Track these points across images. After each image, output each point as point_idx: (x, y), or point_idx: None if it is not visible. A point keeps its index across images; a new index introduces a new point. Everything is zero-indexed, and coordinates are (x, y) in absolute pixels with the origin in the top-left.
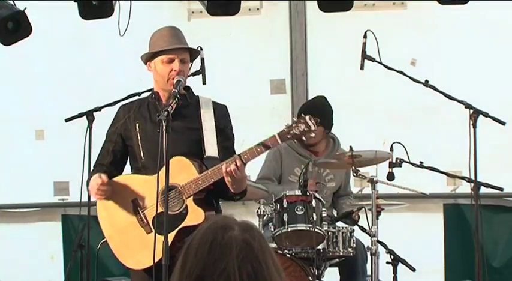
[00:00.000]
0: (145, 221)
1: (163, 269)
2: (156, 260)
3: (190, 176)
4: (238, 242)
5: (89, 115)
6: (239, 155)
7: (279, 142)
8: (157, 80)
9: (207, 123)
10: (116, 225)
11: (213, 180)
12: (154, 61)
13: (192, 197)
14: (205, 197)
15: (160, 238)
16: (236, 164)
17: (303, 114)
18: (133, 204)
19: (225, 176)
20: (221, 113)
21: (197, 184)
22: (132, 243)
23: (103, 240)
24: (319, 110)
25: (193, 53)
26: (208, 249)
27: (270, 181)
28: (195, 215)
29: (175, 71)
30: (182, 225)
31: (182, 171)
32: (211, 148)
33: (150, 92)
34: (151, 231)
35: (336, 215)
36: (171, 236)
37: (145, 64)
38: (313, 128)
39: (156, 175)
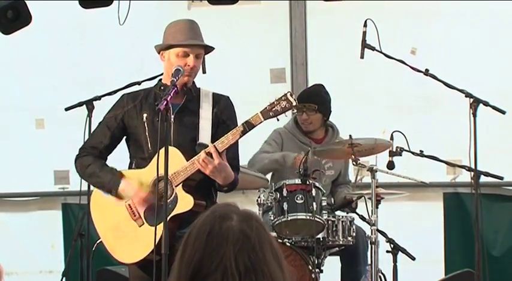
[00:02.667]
0: (137, 214)
1: (163, 258)
2: (149, 252)
3: (179, 164)
4: (235, 233)
5: (89, 104)
6: (213, 144)
7: (262, 119)
8: (168, 71)
9: (204, 112)
10: (108, 223)
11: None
12: (168, 52)
13: (181, 185)
14: (196, 185)
15: (153, 230)
16: (207, 153)
17: (284, 92)
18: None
19: (202, 169)
20: (223, 105)
21: (185, 171)
22: (125, 238)
23: (98, 241)
24: (317, 98)
25: (207, 49)
26: (205, 240)
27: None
28: (184, 202)
29: (189, 66)
30: (173, 213)
31: (171, 160)
32: (204, 135)
33: (156, 83)
34: (144, 224)
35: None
36: (161, 225)
37: (158, 53)
38: (294, 103)
39: (148, 167)
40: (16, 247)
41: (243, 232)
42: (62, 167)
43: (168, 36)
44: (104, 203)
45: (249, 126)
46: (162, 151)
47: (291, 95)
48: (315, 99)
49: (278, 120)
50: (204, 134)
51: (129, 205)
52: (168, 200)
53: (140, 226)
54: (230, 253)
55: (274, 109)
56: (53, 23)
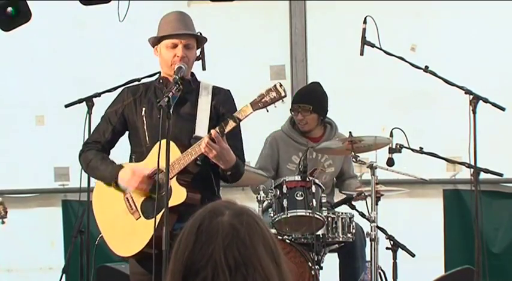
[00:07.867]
0: (134, 208)
1: (163, 254)
2: (145, 245)
3: (173, 157)
4: (225, 228)
5: (89, 101)
6: (214, 129)
7: (252, 110)
8: (162, 65)
9: (202, 104)
10: (107, 217)
11: (193, 157)
12: (159, 46)
13: (176, 177)
14: (193, 178)
15: (149, 223)
16: (211, 138)
17: (274, 83)
18: (123, 192)
19: (206, 153)
20: (222, 98)
21: (179, 164)
22: (122, 231)
23: (100, 235)
24: (313, 97)
25: (200, 39)
26: (195, 235)
27: (267, 171)
28: (177, 195)
29: (177, 56)
30: None
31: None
32: (201, 127)
33: (157, 77)
34: (140, 217)
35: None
36: (157, 218)
37: (153, 48)
38: (283, 94)
39: (146, 160)
40: (16, 243)
41: (233, 227)
42: (62, 163)
43: (159, 30)
44: (105, 198)
45: (239, 118)
46: (157, 145)
47: (280, 86)
48: (310, 100)
49: (268, 111)
50: (201, 126)
51: (127, 198)
52: (163, 193)
53: (137, 219)
54: (219, 248)
55: (263, 100)
56: (53, 20)
